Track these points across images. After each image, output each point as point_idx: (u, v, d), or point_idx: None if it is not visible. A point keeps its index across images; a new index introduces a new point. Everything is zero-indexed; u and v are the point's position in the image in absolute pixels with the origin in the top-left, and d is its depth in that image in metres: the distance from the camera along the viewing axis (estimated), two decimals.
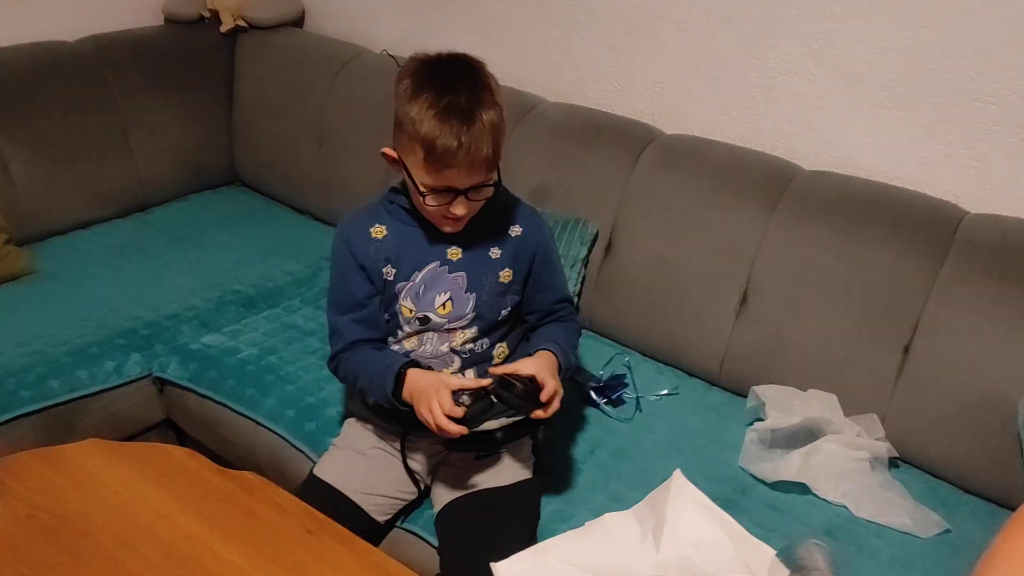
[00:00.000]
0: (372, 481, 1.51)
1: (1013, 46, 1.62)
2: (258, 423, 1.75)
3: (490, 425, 1.43)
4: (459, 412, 1.34)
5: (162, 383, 1.93)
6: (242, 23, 2.68)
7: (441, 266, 1.46)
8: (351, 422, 1.61)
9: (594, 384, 1.79)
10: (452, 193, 1.35)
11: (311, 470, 1.56)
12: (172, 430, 2.05)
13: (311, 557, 1.28)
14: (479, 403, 1.38)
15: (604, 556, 1.36)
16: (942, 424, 1.60)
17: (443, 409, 1.32)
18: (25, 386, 1.76)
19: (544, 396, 1.33)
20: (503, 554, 1.34)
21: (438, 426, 1.33)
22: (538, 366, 1.35)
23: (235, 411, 1.78)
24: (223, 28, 2.67)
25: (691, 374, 1.89)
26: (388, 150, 1.42)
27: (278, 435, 1.72)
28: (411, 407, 1.39)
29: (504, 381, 1.35)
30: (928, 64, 1.71)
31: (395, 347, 1.51)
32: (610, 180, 1.96)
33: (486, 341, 1.51)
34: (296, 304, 2.09)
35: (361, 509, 1.48)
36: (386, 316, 1.50)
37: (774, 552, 1.35)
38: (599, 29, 2.15)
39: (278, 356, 1.88)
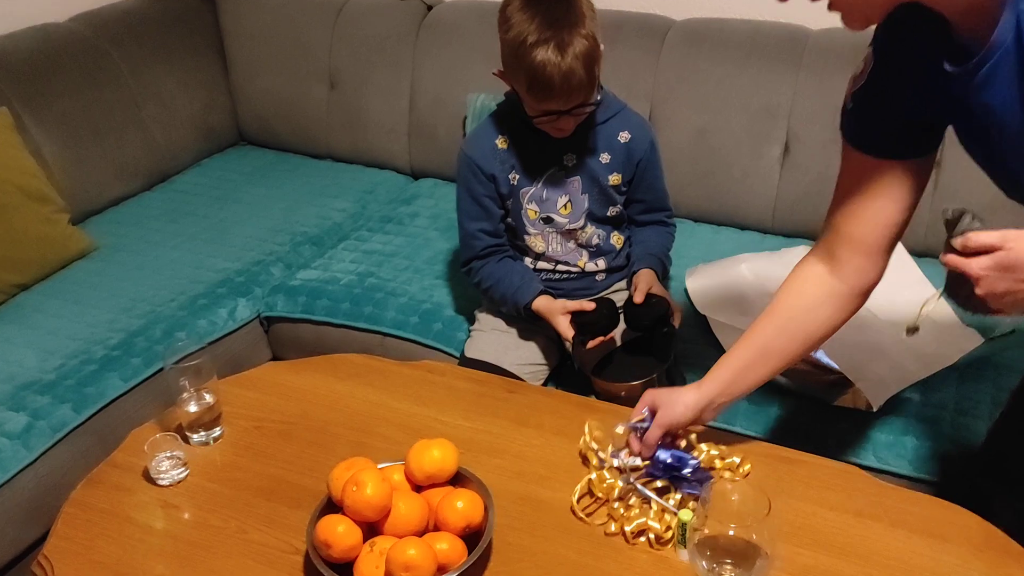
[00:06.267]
0: (523, 352, 1.69)
1: None
2: (385, 334, 1.89)
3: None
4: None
5: (269, 322, 2.02)
6: None
7: (559, 171, 1.63)
8: (484, 310, 1.77)
9: None
10: (556, 114, 1.51)
11: (462, 354, 1.73)
12: None
13: (528, 409, 1.44)
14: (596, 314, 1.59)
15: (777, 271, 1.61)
16: None
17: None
18: (155, 341, 1.84)
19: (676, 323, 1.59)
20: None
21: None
22: (648, 284, 1.59)
23: (360, 329, 1.91)
24: None
25: (745, 228, 2.12)
26: (499, 72, 1.56)
27: (409, 340, 1.86)
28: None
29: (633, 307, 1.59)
30: None
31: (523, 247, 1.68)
32: (638, 70, 2.14)
33: (602, 233, 1.68)
34: (364, 234, 2.21)
35: (519, 378, 1.65)
36: (511, 220, 1.66)
37: None
38: None
39: (376, 277, 2.01)
